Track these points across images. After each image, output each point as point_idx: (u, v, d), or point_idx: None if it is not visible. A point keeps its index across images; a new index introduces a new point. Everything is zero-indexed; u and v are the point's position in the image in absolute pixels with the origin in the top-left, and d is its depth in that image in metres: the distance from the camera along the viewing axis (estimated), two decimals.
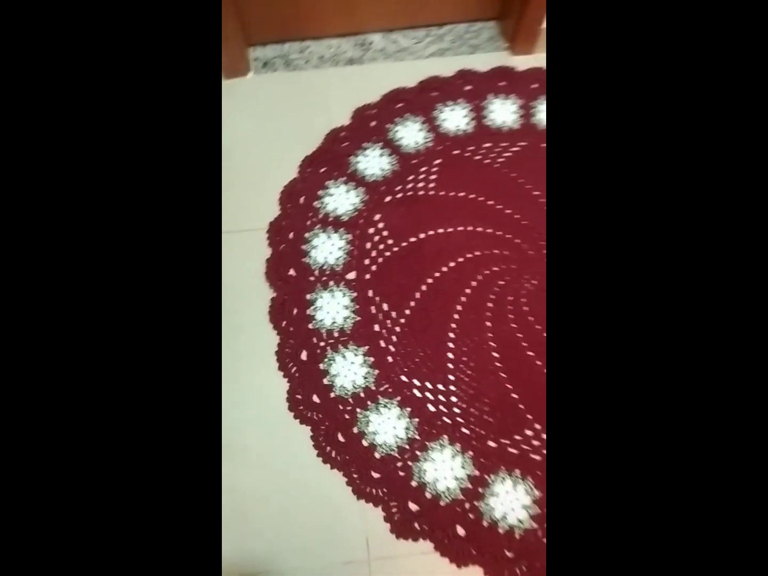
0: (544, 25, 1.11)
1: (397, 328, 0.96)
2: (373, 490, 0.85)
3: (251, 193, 1.07)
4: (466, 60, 1.18)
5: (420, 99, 1.15)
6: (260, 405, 0.91)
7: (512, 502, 0.84)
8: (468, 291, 0.98)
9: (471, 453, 0.87)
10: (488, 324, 0.96)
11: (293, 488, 0.86)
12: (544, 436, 0.88)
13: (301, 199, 1.06)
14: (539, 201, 1.05)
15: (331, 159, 1.09)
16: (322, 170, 1.08)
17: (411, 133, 1.11)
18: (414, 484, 0.85)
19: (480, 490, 0.85)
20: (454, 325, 0.96)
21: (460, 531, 0.83)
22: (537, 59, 1.18)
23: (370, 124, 1.13)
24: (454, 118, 1.12)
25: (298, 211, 1.05)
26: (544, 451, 0.87)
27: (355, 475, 0.86)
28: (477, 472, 0.86)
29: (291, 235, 1.03)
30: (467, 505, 0.84)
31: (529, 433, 0.88)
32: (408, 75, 1.17)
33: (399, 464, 0.87)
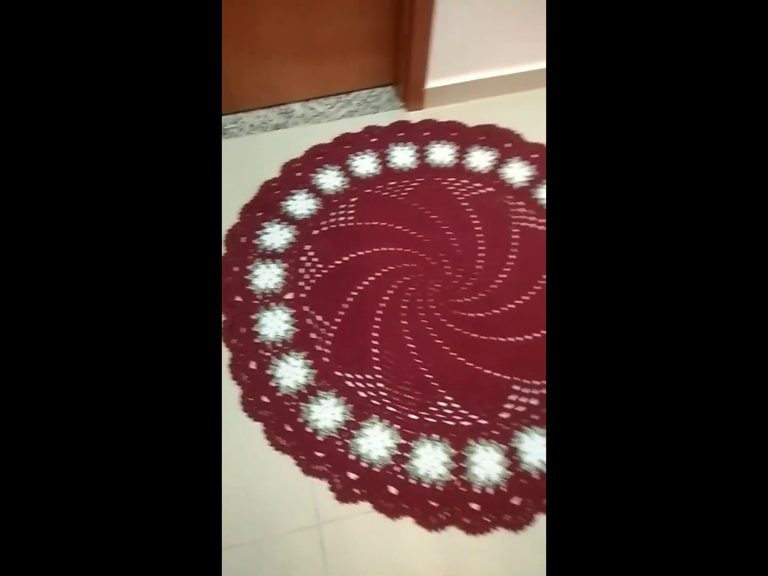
0: (426, 86, 1.41)
1: (330, 334, 1.15)
2: (318, 467, 1.01)
3: None
4: (370, 118, 1.46)
5: (335, 151, 1.40)
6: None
7: (433, 461, 1.02)
8: (386, 298, 1.20)
9: (397, 426, 1.05)
10: (404, 322, 1.17)
11: (251, 474, 1.01)
12: (455, 405, 1.07)
13: (243, 239, 1.27)
14: (436, 223, 1.29)
15: (265, 205, 1.32)
16: (259, 214, 1.30)
17: (330, 179, 1.35)
18: (352, 457, 1.02)
19: (406, 454, 1.02)
20: (376, 326, 1.16)
21: (393, 490, 1.00)
22: (427, 113, 1.47)
23: (296, 174, 1.37)
24: (364, 164, 1.38)
25: (240, 249, 1.26)
26: (456, 417, 1.06)
27: (302, 457, 1.02)
28: (403, 441, 1.03)
29: (236, 269, 1.23)
30: (396, 468, 1.01)
31: (442, 404, 1.08)
32: (325, 134, 1.43)
33: (338, 443, 1.04)
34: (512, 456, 1.02)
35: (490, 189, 1.34)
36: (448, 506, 0.98)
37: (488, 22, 1.30)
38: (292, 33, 1.32)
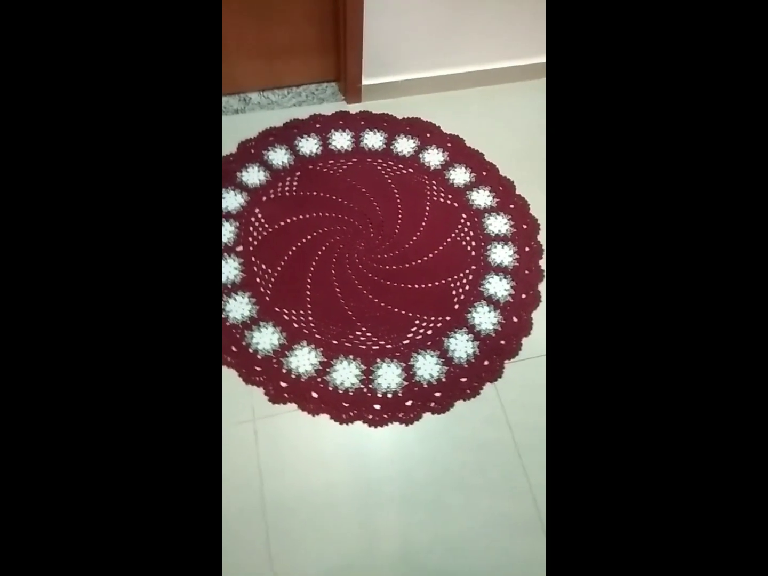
0: (362, 83, 1.69)
1: (272, 279, 1.42)
2: (256, 378, 1.28)
3: None
4: (316, 108, 1.74)
5: (285, 134, 1.67)
6: None
7: (347, 374, 1.30)
8: (320, 252, 1.47)
9: (321, 348, 1.33)
10: (333, 272, 1.44)
11: None
12: (369, 334, 1.35)
13: None
14: (365, 195, 1.58)
15: (223, 175, 1.57)
16: None
17: (279, 156, 1.62)
18: (284, 371, 1.29)
19: (327, 369, 1.30)
20: (310, 274, 1.44)
21: (314, 395, 1.27)
22: (363, 106, 1.75)
23: (251, 151, 1.63)
24: (308, 145, 1.65)
25: None
26: (369, 343, 1.34)
27: (244, 370, 1.29)
28: (324, 359, 1.31)
29: None
30: (318, 380, 1.29)
31: (358, 333, 1.36)
32: (277, 119, 1.70)
33: (274, 361, 1.31)
34: (409, 371, 1.31)
35: (411, 170, 1.64)
36: (356, 406, 1.26)
37: (408, 33, 1.60)
38: (251, 35, 1.58)
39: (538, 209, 1.59)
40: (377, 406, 1.27)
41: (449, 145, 1.69)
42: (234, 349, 1.32)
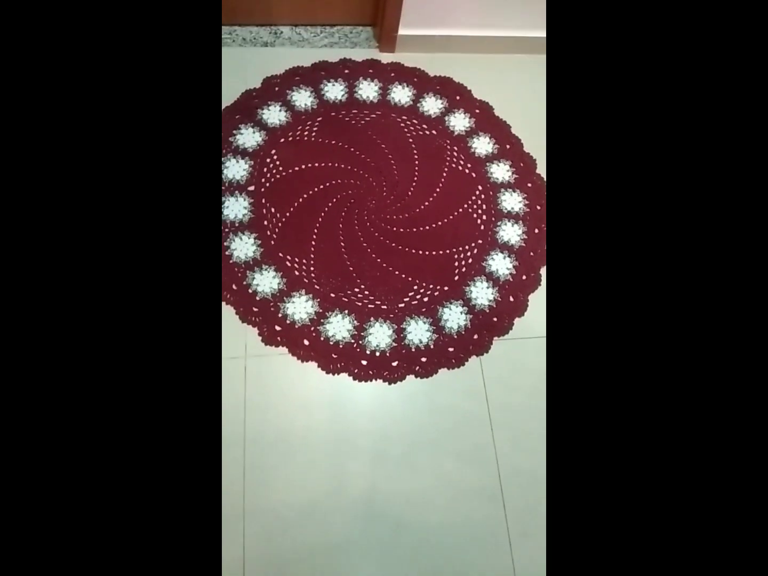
0: (399, 33, 1.62)
1: (279, 224, 1.43)
2: (252, 318, 1.32)
3: None
4: (347, 52, 1.67)
5: (312, 75, 1.62)
6: None
7: (340, 327, 1.33)
8: (330, 204, 1.47)
9: (318, 299, 1.36)
10: (340, 225, 1.45)
11: None
12: (366, 292, 1.38)
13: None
14: (384, 151, 1.55)
15: (244, 110, 1.54)
16: (237, 117, 1.53)
17: (302, 98, 1.58)
18: (280, 315, 1.33)
19: (321, 320, 1.34)
20: (317, 225, 1.44)
21: (306, 342, 1.32)
22: (396, 56, 1.69)
23: (275, 89, 1.59)
24: (334, 90, 1.61)
25: None
26: (365, 301, 1.37)
27: (241, 309, 1.33)
28: (320, 310, 1.35)
29: None
30: (312, 328, 1.33)
31: (356, 290, 1.38)
32: (305, 58, 1.64)
33: (271, 304, 1.34)
34: (399, 333, 1.35)
35: (434, 132, 1.60)
36: (344, 359, 1.31)
37: None
38: None
39: None
40: (364, 362, 1.31)
41: (477, 111, 1.64)
42: (234, 287, 1.35)
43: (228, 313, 1.33)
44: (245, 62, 1.63)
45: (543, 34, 1.68)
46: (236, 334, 1.31)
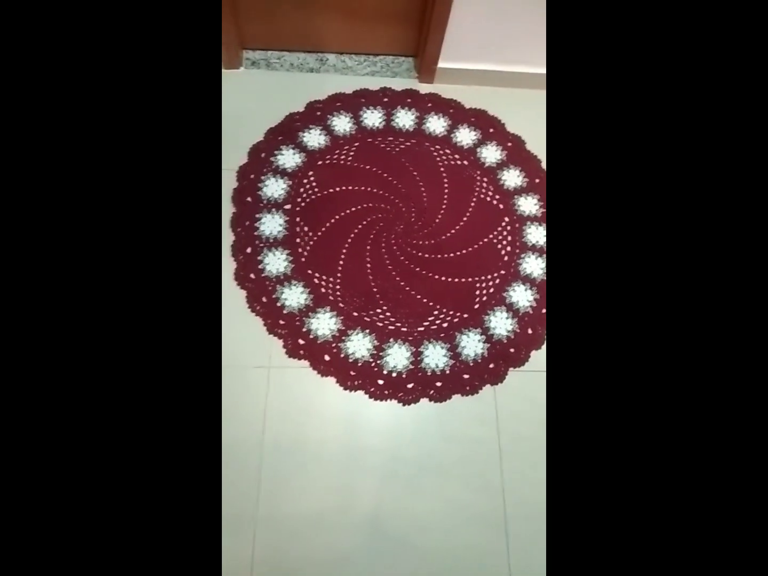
0: (438, 65, 1.68)
1: (311, 242, 1.50)
2: (279, 330, 1.39)
3: (231, 146, 1.60)
4: (388, 81, 1.75)
5: (352, 102, 1.70)
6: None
7: (360, 346, 1.39)
8: (360, 226, 1.54)
9: (341, 317, 1.42)
10: (368, 247, 1.51)
11: (230, 323, 1.39)
12: (388, 313, 1.43)
13: (262, 155, 1.60)
14: (415, 178, 1.61)
15: (286, 132, 1.63)
16: (279, 138, 1.62)
17: (342, 123, 1.66)
18: (304, 330, 1.40)
19: (343, 337, 1.40)
20: (346, 245, 1.51)
21: (327, 358, 1.38)
22: (435, 87, 1.75)
23: (317, 113, 1.67)
24: (373, 117, 1.68)
25: (259, 162, 1.59)
26: (386, 322, 1.42)
27: (269, 321, 1.40)
28: (342, 328, 1.41)
29: (252, 176, 1.57)
30: (333, 345, 1.39)
31: (378, 311, 1.44)
32: (348, 85, 1.73)
33: (297, 319, 1.41)
34: (417, 356, 1.39)
35: (465, 162, 1.65)
36: (362, 377, 1.36)
37: (493, 24, 1.57)
38: None
39: None
40: (381, 381, 1.36)
41: (509, 144, 1.69)
42: (264, 299, 1.43)
43: (256, 323, 1.40)
44: (291, 86, 1.72)
45: None
46: (262, 345, 1.38)
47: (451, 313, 1.45)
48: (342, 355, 1.38)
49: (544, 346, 1.44)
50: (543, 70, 1.72)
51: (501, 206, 1.61)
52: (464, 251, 1.53)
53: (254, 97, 1.69)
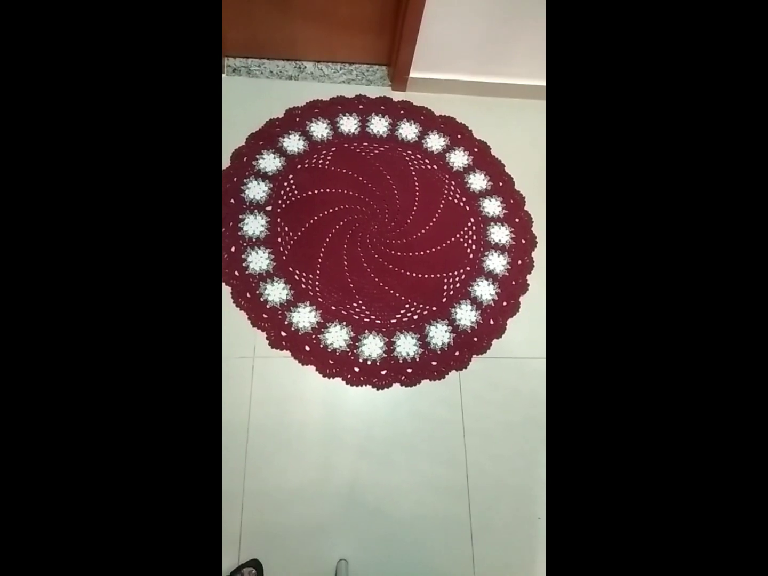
0: (410, 75, 1.80)
1: (291, 242, 1.62)
2: (262, 323, 1.51)
3: None
4: (363, 89, 1.86)
5: (329, 108, 1.81)
6: None
7: (337, 337, 1.52)
8: (337, 227, 1.66)
9: (320, 311, 1.54)
10: (344, 246, 1.64)
11: None
12: (363, 307, 1.56)
13: (244, 159, 1.70)
14: (388, 182, 1.74)
15: (267, 137, 1.74)
16: (260, 143, 1.72)
17: (320, 129, 1.77)
18: (286, 323, 1.52)
19: (322, 329, 1.52)
20: (324, 244, 1.63)
21: (307, 348, 1.50)
22: (407, 95, 1.87)
23: (296, 119, 1.78)
24: (348, 124, 1.79)
25: (240, 166, 1.69)
26: (362, 315, 1.55)
27: (252, 315, 1.52)
28: (321, 320, 1.53)
29: (234, 179, 1.67)
30: (313, 336, 1.51)
31: (355, 305, 1.57)
32: (325, 92, 1.83)
33: (279, 313, 1.53)
34: (390, 346, 1.53)
35: (435, 167, 1.78)
36: (339, 365, 1.49)
37: (461, 37, 1.69)
38: (317, 5, 1.69)
39: (540, 227, 1.73)
40: (357, 369, 1.49)
41: (476, 150, 1.82)
42: (248, 295, 1.54)
43: (241, 317, 1.52)
44: (271, 93, 1.82)
45: (539, 82, 1.85)
46: (247, 337, 1.50)
47: (421, 306, 1.59)
48: (321, 346, 1.51)
49: (504, 336, 1.59)
50: (508, 80, 1.85)
51: (467, 208, 1.74)
52: (433, 249, 1.67)
53: (236, 103, 1.79)
